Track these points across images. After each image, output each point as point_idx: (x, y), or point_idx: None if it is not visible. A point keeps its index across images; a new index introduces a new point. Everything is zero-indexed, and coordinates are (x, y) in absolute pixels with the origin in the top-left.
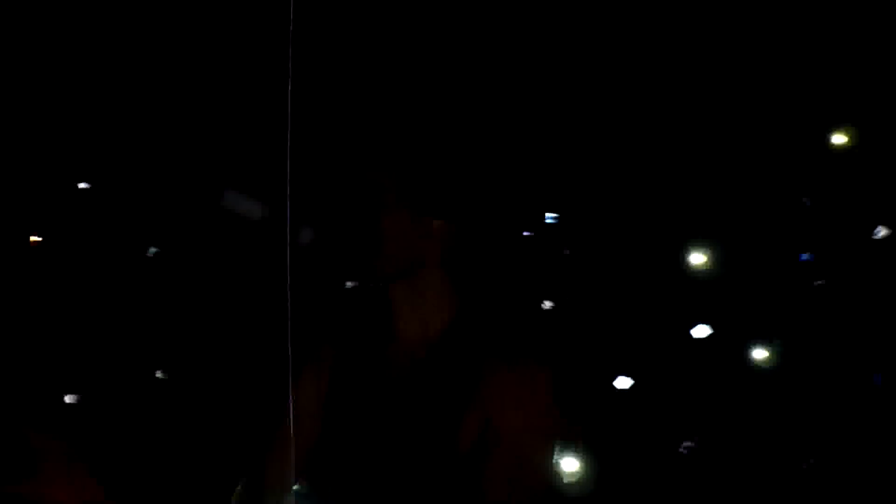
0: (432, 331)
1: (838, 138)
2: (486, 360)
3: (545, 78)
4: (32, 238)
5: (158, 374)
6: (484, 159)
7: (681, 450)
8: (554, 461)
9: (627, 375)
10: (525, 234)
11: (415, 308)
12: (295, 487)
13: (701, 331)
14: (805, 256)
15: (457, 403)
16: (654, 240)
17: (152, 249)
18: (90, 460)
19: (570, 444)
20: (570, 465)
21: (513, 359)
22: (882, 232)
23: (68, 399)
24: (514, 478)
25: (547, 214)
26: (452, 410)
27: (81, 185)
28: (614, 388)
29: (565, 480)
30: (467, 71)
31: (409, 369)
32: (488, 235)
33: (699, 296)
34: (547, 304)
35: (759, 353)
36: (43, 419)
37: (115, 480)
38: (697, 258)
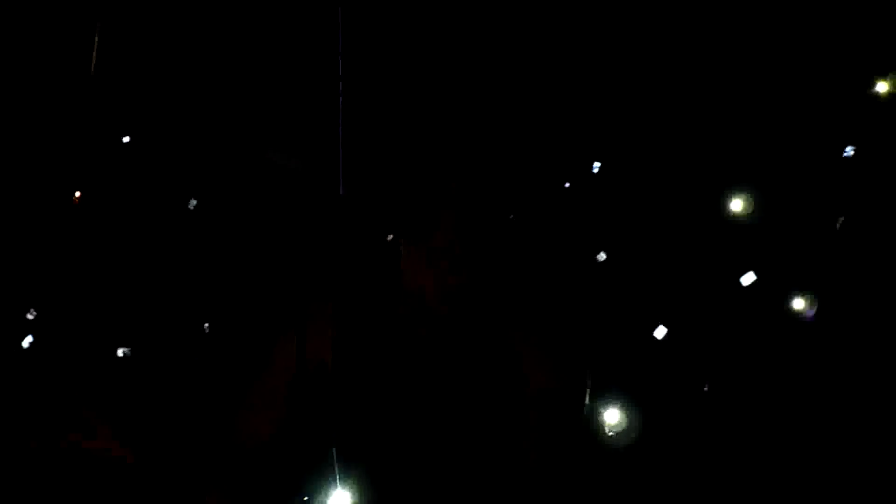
0: (446, 288)
1: (882, 86)
2: (513, 318)
3: (570, 60)
4: (76, 194)
5: (120, 353)
6: (501, 128)
7: (704, 389)
8: (594, 413)
9: (662, 324)
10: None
11: (428, 265)
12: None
13: (748, 278)
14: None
15: (488, 360)
16: (689, 190)
17: (193, 202)
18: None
19: (598, 397)
20: (612, 416)
21: (539, 317)
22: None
23: (119, 352)
24: (547, 429)
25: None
26: (485, 367)
27: (125, 139)
28: (646, 337)
29: (608, 432)
30: (496, 54)
31: (426, 323)
32: (502, 202)
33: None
34: (601, 256)
35: (798, 303)
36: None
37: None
38: (736, 205)
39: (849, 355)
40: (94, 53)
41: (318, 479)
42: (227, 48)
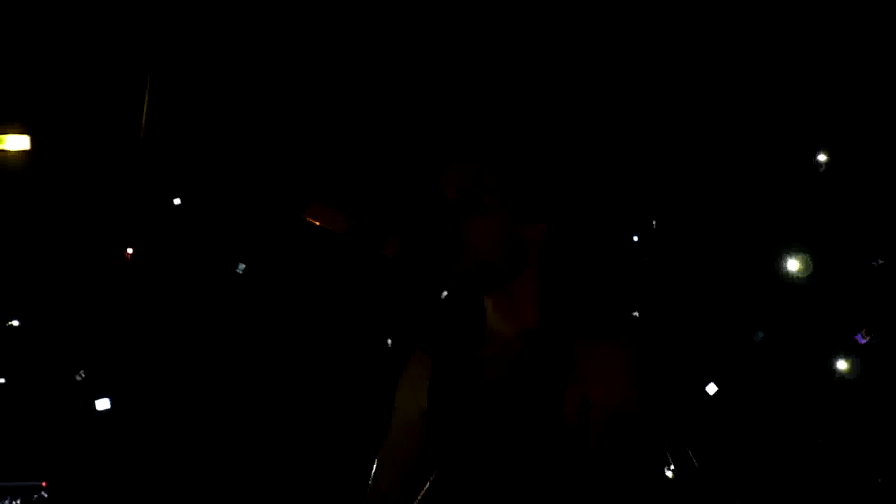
0: (524, 327)
1: None
2: (580, 341)
3: (639, 88)
4: (128, 251)
5: (78, 377)
6: (580, 164)
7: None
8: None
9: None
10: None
11: (510, 312)
12: None
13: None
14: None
15: (556, 386)
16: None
17: (241, 266)
18: None
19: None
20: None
21: (604, 337)
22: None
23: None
24: (613, 449)
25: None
26: (554, 392)
27: (176, 201)
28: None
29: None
30: (573, 80)
31: (504, 366)
32: (582, 238)
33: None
34: (635, 314)
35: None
36: None
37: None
38: (793, 264)
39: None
40: (144, 111)
41: None
42: (282, 107)
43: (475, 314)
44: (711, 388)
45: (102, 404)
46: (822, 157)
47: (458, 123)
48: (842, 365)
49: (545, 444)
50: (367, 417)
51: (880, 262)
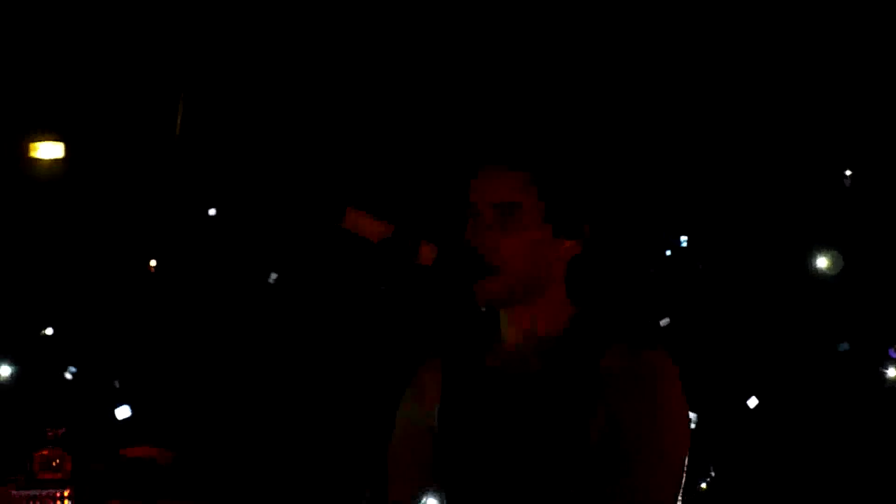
0: (545, 343)
1: None
2: (607, 356)
3: (670, 102)
4: (151, 263)
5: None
6: (615, 179)
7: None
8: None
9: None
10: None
11: (532, 327)
12: None
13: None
14: None
15: (579, 404)
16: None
17: (273, 275)
18: None
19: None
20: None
21: (630, 351)
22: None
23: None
24: (638, 474)
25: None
26: (576, 411)
27: (211, 212)
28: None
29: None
30: (607, 97)
31: (521, 383)
32: (611, 253)
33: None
34: (664, 322)
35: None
36: None
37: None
38: (823, 262)
39: None
40: (178, 120)
41: None
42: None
43: (490, 326)
44: (752, 402)
45: (123, 412)
46: (848, 172)
47: (497, 138)
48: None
49: (564, 466)
50: (368, 427)
51: None
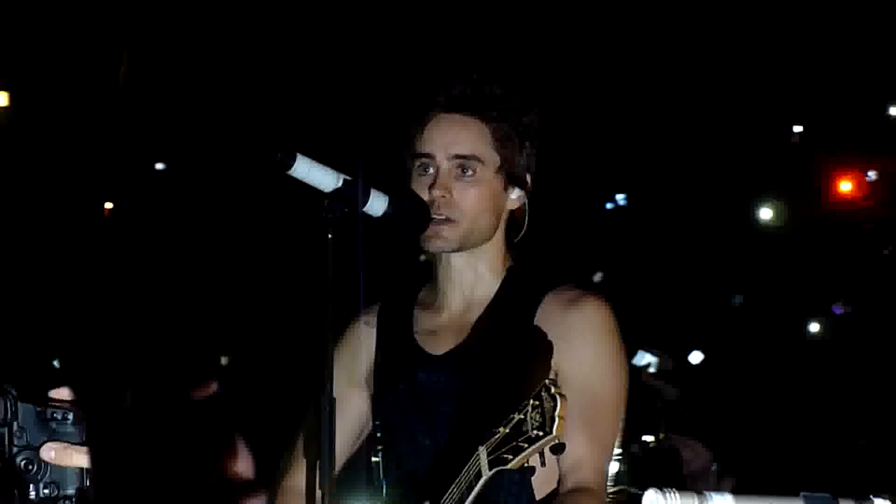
0: (480, 295)
1: None
2: (543, 308)
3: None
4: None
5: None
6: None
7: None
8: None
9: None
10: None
11: (473, 274)
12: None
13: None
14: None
15: (516, 356)
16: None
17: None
18: None
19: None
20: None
21: (568, 300)
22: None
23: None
24: (584, 423)
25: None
26: (513, 363)
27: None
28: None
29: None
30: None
31: (461, 330)
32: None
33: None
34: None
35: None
36: None
37: None
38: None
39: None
40: (122, 69)
41: None
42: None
43: (425, 275)
44: (695, 357)
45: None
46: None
47: (463, 90)
48: (814, 328)
49: (503, 419)
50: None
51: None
